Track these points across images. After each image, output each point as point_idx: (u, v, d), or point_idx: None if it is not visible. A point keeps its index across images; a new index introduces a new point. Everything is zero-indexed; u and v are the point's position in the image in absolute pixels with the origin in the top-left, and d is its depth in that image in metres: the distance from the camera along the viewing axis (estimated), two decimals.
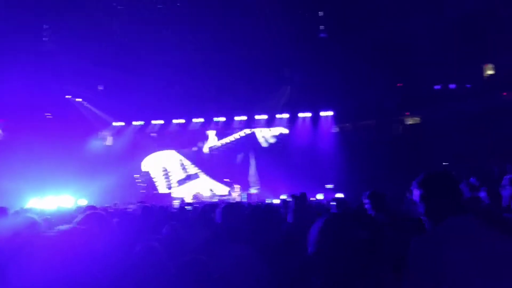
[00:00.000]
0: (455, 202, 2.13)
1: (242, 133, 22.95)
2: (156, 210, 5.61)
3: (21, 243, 2.56)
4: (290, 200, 7.69)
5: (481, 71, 18.61)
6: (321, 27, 16.61)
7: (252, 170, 21.87)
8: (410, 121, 21.09)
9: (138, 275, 2.05)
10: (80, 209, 8.59)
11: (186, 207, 8.55)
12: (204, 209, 5.00)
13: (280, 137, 22.64)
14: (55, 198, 16.56)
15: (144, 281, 2.06)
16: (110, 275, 2.08)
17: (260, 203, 10.10)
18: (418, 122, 20.77)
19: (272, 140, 22.68)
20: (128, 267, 2.07)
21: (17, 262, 2.26)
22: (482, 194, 5.42)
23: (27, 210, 6.49)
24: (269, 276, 2.22)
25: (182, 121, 23.10)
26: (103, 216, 2.65)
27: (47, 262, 2.19)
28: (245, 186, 21.23)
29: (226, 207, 2.82)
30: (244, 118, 22.49)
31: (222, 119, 22.74)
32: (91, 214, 2.69)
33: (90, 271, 2.06)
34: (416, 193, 2.23)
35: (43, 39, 15.96)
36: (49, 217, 5.75)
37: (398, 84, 19.61)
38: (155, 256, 2.12)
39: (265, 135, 22.81)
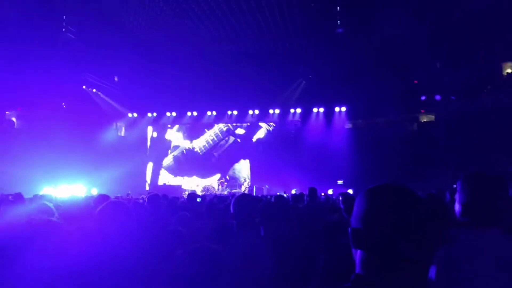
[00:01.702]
0: (494, 212, 2.05)
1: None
2: (164, 200, 5.66)
3: (35, 229, 2.61)
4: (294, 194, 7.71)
5: (500, 69, 18.38)
6: (338, 22, 16.47)
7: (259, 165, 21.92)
8: (424, 118, 20.91)
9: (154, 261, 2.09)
10: (91, 198, 8.69)
11: (197, 199, 8.57)
12: (212, 201, 5.03)
13: (293, 131, 22.65)
14: (68, 187, 16.77)
15: (154, 266, 2.09)
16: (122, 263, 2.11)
17: (271, 196, 10.12)
18: (432, 120, 20.57)
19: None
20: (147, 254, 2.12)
21: (31, 248, 2.31)
22: None
23: (41, 197, 6.58)
24: (278, 266, 2.25)
25: (195, 113, 23.21)
26: (124, 206, 2.68)
27: (61, 249, 2.24)
28: (254, 180, 21.32)
29: (240, 197, 2.84)
30: (257, 111, 22.51)
31: (235, 112, 22.79)
32: (112, 203, 2.72)
33: (102, 258, 2.10)
34: (458, 197, 2.16)
35: (62, 29, 16.09)
36: (61, 205, 5.84)
37: (414, 82, 19.41)
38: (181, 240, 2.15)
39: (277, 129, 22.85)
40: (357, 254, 1.31)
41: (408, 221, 1.26)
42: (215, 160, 22.97)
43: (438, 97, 18.66)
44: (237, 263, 2.14)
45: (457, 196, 2.18)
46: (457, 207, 2.17)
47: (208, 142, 23.37)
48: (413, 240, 1.24)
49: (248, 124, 23.14)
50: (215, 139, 23.36)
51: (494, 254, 1.92)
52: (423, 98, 19.21)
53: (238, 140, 23.20)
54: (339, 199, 5.78)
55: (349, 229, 1.32)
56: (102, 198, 4.16)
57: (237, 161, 22.93)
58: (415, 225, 1.26)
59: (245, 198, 2.82)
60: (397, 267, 1.23)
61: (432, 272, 1.92)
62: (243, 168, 22.71)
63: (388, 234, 1.25)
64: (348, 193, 6.07)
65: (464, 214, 2.12)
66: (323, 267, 2.42)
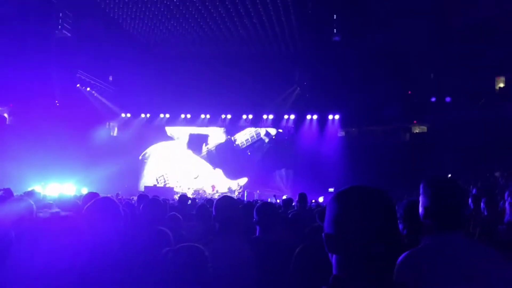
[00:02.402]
0: (457, 216, 2.08)
1: (247, 132, 22.98)
2: (154, 201, 5.63)
3: (24, 227, 2.59)
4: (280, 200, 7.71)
5: (493, 83, 18.58)
6: (334, 30, 16.58)
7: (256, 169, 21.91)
8: (417, 129, 21.04)
9: (139, 259, 2.09)
10: (80, 197, 8.63)
11: (188, 201, 8.54)
12: (202, 204, 5.02)
13: (285, 137, 22.70)
14: (57, 186, 16.63)
15: (142, 265, 2.09)
16: (110, 258, 2.10)
17: (257, 200, 10.11)
18: (425, 131, 20.71)
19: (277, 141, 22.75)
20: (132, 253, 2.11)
21: (21, 245, 2.29)
22: (482, 205, 5.42)
23: (30, 194, 6.52)
24: (261, 268, 2.25)
25: (189, 116, 23.18)
26: (113, 202, 2.67)
27: (50, 247, 2.22)
28: (246, 185, 21.31)
29: (220, 199, 2.84)
30: (251, 116, 22.52)
31: (229, 116, 22.78)
32: (102, 199, 2.71)
33: (92, 255, 2.09)
34: (421, 200, 2.19)
35: (58, 26, 16.05)
36: (51, 202, 5.79)
37: (408, 92, 19.55)
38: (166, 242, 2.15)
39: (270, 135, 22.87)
40: (333, 257, 1.34)
41: (376, 223, 1.29)
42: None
43: (432, 109, 18.78)
44: (220, 264, 2.15)
45: (420, 199, 2.21)
46: (420, 210, 2.20)
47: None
48: (384, 241, 1.27)
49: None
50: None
51: (457, 259, 1.95)
52: (416, 109, 19.33)
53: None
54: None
55: (323, 235, 1.35)
56: (91, 195, 4.13)
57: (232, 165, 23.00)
58: (385, 227, 1.29)
59: (226, 200, 2.83)
60: (370, 267, 1.26)
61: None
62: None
63: (358, 238, 1.27)
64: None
65: (426, 217, 2.15)
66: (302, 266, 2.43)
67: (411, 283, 1.89)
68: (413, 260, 1.97)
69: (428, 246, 2.05)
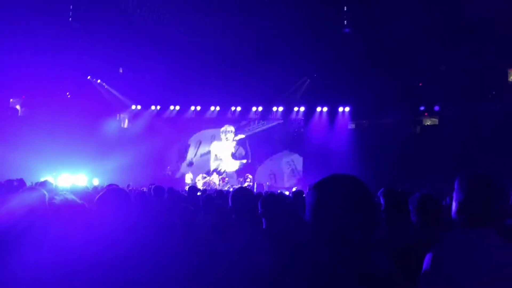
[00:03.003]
0: (489, 212, 2.12)
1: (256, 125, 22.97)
2: (167, 192, 5.68)
3: (36, 216, 2.62)
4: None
5: (506, 75, 18.33)
6: (345, 21, 16.45)
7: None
8: (428, 121, 20.87)
9: (152, 249, 2.11)
10: (96, 189, 8.72)
11: (197, 193, 8.60)
12: (210, 195, 5.05)
13: (295, 129, 22.68)
14: (69, 176, 16.78)
15: (157, 256, 2.11)
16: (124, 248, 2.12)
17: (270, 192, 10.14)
18: (436, 123, 20.53)
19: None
20: (143, 239, 2.14)
21: (30, 237, 2.33)
22: None
23: (42, 184, 6.60)
24: (276, 261, 2.26)
25: (199, 108, 23.20)
26: (124, 192, 2.71)
27: (61, 236, 2.26)
28: (256, 177, 21.35)
29: (237, 191, 2.85)
30: (260, 108, 22.50)
31: (239, 108, 22.77)
32: (113, 190, 2.75)
33: (103, 244, 2.12)
34: (455, 195, 2.22)
35: (69, 19, 16.11)
36: (64, 193, 5.86)
37: (419, 84, 19.36)
38: (174, 232, 2.18)
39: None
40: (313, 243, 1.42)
41: (350, 211, 1.35)
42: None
43: (436, 108, 18.65)
44: (235, 256, 2.17)
45: (454, 195, 2.24)
46: (453, 205, 2.23)
47: None
48: (357, 229, 1.32)
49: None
50: None
51: (488, 254, 1.97)
52: (423, 107, 19.17)
53: None
54: None
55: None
56: (111, 186, 4.20)
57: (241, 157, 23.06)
58: (357, 215, 1.35)
59: (242, 191, 2.84)
60: (347, 252, 1.32)
61: (426, 268, 1.98)
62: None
63: (332, 226, 1.34)
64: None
65: (460, 212, 2.17)
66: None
67: (440, 274, 1.93)
68: (443, 252, 2.01)
69: (458, 241, 2.08)
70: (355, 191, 1.39)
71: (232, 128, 23.36)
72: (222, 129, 23.42)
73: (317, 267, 1.37)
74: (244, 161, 22.90)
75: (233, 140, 23.29)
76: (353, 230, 1.32)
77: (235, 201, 2.73)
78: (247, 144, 23.05)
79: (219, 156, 23.39)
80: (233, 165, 23.03)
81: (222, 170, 22.86)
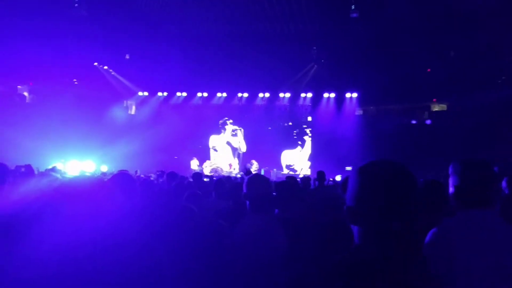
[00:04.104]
0: (486, 193, 2.14)
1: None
2: (178, 178, 5.70)
3: (44, 202, 2.62)
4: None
5: None
6: (352, 6, 16.23)
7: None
8: (436, 108, 20.72)
9: (171, 234, 2.11)
10: (105, 175, 8.78)
11: (204, 179, 8.60)
12: (220, 179, 5.05)
13: (302, 116, 22.61)
14: (77, 163, 16.90)
15: (174, 240, 2.11)
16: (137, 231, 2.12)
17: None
18: (444, 109, 20.38)
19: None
20: (160, 226, 2.13)
21: (42, 222, 2.33)
22: (503, 184, 5.40)
23: (52, 170, 6.65)
24: (289, 247, 2.26)
25: (206, 94, 23.17)
26: (129, 176, 2.71)
27: (70, 222, 2.25)
28: (263, 163, 21.33)
29: (252, 177, 2.83)
30: (267, 95, 22.42)
31: (246, 95, 22.70)
32: (118, 174, 2.75)
33: (118, 227, 2.11)
34: (451, 180, 2.23)
35: (74, 5, 16.02)
36: (74, 179, 5.89)
37: (428, 70, 19.15)
38: (192, 216, 2.17)
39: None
40: (354, 228, 1.39)
41: (395, 198, 1.31)
42: None
43: (452, 87, 18.39)
44: (248, 242, 2.16)
45: (450, 180, 2.26)
46: (450, 189, 2.25)
47: None
48: (400, 216, 1.30)
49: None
50: None
51: (491, 234, 2.00)
52: (435, 86, 18.94)
53: None
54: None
55: (344, 207, 1.40)
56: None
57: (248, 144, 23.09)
58: (402, 202, 1.31)
59: (258, 178, 2.82)
60: (389, 239, 1.30)
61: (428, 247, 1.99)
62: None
63: (378, 212, 1.31)
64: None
65: (458, 195, 2.20)
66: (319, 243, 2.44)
67: (441, 256, 1.94)
68: (443, 234, 2.04)
69: (457, 222, 2.11)
70: (400, 179, 1.35)
71: (230, 121, 23.46)
72: (221, 121, 23.54)
73: (356, 252, 1.35)
74: (241, 151, 23.12)
75: (232, 131, 23.45)
76: (394, 218, 1.29)
77: (250, 188, 2.71)
78: (242, 135, 23.23)
79: (216, 148, 23.59)
80: (228, 156, 23.24)
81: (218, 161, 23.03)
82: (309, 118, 22.36)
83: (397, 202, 1.31)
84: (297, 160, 22.12)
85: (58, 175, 3.37)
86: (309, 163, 22.04)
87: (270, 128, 22.59)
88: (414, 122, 19.49)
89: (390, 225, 1.29)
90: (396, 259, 1.30)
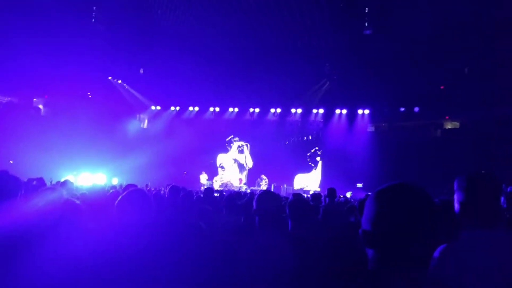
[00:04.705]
0: (493, 211, 2.08)
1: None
2: (183, 193, 5.69)
3: (54, 217, 2.64)
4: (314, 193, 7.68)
5: None
6: (366, 23, 16.30)
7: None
8: (449, 125, 20.55)
9: (177, 253, 2.10)
10: (115, 188, 8.81)
11: (215, 193, 8.59)
12: (230, 196, 5.03)
13: (314, 132, 22.58)
14: (89, 175, 17.01)
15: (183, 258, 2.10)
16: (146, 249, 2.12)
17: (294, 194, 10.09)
18: (457, 127, 20.21)
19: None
20: (168, 243, 2.13)
21: (51, 236, 2.34)
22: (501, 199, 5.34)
23: (64, 184, 6.69)
24: (298, 265, 2.23)
25: (218, 109, 23.28)
26: (144, 193, 2.72)
27: (81, 237, 2.27)
28: (273, 178, 21.28)
29: (263, 193, 2.83)
30: (279, 110, 22.44)
31: (257, 110, 22.76)
32: (134, 191, 2.76)
33: (127, 246, 2.12)
34: (456, 196, 2.18)
35: (91, 20, 16.31)
36: (86, 192, 5.93)
37: (441, 87, 19.07)
38: (201, 235, 2.17)
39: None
40: (369, 252, 1.37)
41: (415, 223, 1.29)
42: None
43: (464, 104, 18.24)
44: (258, 259, 2.15)
45: (455, 196, 2.20)
46: (456, 206, 2.19)
47: None
48: (420, 241, 1.27)
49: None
50: None
51: (500, 256, 1.94)
52: (448, 104, 18.83)
53: None
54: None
55: (360, 231, 1.38)
56: (129, 187, 4.22)
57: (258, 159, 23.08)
58: (421, 227, 1.29)
59: (268, 194, 2.81)
60: (404, 264, 1.28)
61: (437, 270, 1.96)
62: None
63: (395, 236, 1.29)
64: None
65: (463, 212, 2.14)
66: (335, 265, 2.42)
67: (449, 275, 1.90)
68: (451, 254, 1.97)
69: (466, 241, 2.03)
70: (420, 203, 1.33)
71: (236, 138, 23.69)
72: (227, 139, 23.69)
73: (370, 277, 1.34)
74: (247, 167, 23.20)
75: (237, 148, 23.58)
76: (413, 243, 1.28)
77: (260, 204, 2.71)
78: (248, 150, 23.32)
79: (224, 166, 23.69)
80: (235, 172, 23.27)
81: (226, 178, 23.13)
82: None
83: (416, 227, 1.28)
84: (311, 182, 22.08)
85: (64, 191, 3.37)
86: (319, 179, 21.96)
87: (287, 142, 22.61)
88: (426, 139, 19.32)
89: (408, 251, 1.27)
90: (413, 285, 1.27)
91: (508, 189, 7.92)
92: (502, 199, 6.25)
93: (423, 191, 1.34)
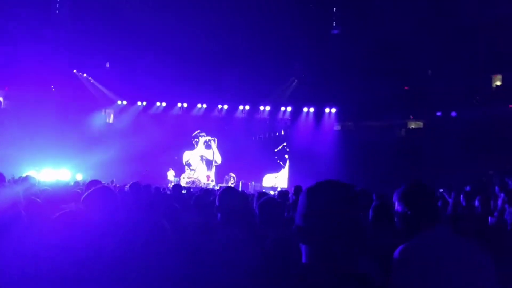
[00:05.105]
0: (431, 215, 2.23)
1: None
2: (148, 190, 5.64)
3: (12, 214, 2.56)
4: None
5: (490, 81, 18.61)
6: (334, 23, 16.53)
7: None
8: (413, 125, 21.07)
9: (145, 252, 2.08)
10: (78, 184, 8.61)
11: (182, 191, 8.53)
12: (200, 194, 5.02)
13: (282, 130, 22.69)
14: (52, 171, 16.59)
15: (149, 258, 2.08)
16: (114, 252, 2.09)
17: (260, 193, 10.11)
18: (420, 126, 20.75)
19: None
20: (135, 244, 2.10)
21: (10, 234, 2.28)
22: (476, 202, 5.60)
23: (25, 180, 6.50)
24: (261, 261, 2.25)
25: (186, 105, 23.08)
26: (111, 191, 2.67)
27: (44, 237, 2.21)
28: (241, 176, 21.28)
29: (225, 190, 2.84)
30: (247, 107, 22.44)
31: (226, 106, 22.69)
32: (99, 189, 2.70)
33: (94, 248, 2.07)
34: (397, 206, 2.33)
35: (56, 11, 15.89)
36: (48, 188, 5.77)
37: (405, 88, 19.54)
38: (163, 234, 2.15)
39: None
40: (302, 247, 1.44)
41: (342, 220, 1.38)
42: None
43: (428, 105, 18.75)
44: (219, 256, 2.16)
45: (395, 207, 2.36)
46: (396, 218, 2.36)
47: None
48: (346, 238, 1.36)
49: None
50: None
51: (445, 252, 2.07)
52: (412, 104, 19.32)
53: None
54: None
55: (293, 227, 1.46)
56: (93, 183, 4.13)
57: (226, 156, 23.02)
58: (348, 224, 1.38)
59: (230, 191, 2.83)
60: (335, 258, 1.36)
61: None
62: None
63: (324, 230, 1.37)
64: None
65: (402, 223, 2.30)
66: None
67: (409, 274, 2.01)
68: (411, 252, 2.08)
69: (423, 239, 2.15)
70: (345, 198, 1.42)
71: (203, 133, 23.51)
72: (193, 135, 23.54)
73: (303, 271, 1.39)
74: (215, 163, 23.14)
75: (204, 143, 23.45)
76: (340, 236, 1.35)
77: (222, 201, 2.72)
78: (215, 145, 23.28)
79: (190, 163, 23.53)
80: (202, 169, 23.19)
81: (194, 176, 22.97)
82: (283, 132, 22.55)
83: (341, 223, 1.37)
84: (279, 180, 22.20)
85: (24, 188, 3.28)
86: (287, 176, 22.12)
87: (253, 138, 22.54)
88: (391, 138, 19.74)
89: (333, 246, 1.35)
90: (342, 280, 1.33)
91: (467, 188, 8.14)
92: (461, 197, 6.50)
93: (350, 189, 1.43)
